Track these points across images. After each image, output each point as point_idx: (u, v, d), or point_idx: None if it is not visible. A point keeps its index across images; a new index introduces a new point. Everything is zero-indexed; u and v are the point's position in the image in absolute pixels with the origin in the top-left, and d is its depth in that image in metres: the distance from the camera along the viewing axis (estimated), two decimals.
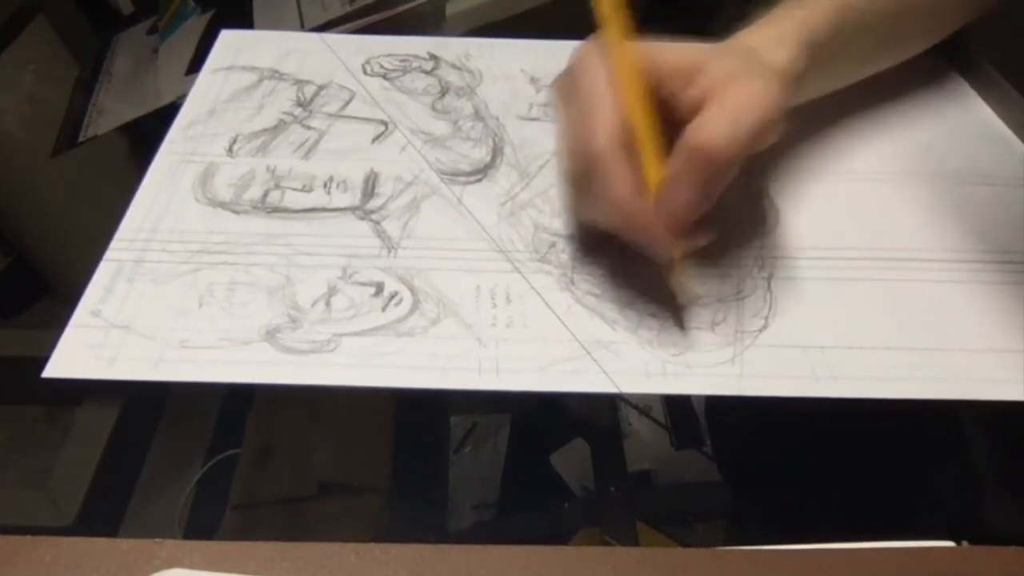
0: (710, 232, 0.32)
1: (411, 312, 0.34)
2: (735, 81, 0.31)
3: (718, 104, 0.30)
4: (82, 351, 0.32)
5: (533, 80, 0.47)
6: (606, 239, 0.34)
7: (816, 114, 0.45)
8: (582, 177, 0.32)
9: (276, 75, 0.47)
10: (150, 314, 0.33)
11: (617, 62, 0.32)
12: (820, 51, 0.35)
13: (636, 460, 0.36)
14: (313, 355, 0.32)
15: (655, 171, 0.31)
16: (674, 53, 0.32)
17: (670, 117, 0.32)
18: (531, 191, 0.40)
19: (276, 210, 0.38)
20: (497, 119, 0.44)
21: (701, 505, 0.36)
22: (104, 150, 0.52)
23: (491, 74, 0.48)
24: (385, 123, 0.44)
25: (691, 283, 0.33)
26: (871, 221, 0.39)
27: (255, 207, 0.39)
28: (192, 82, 0.46)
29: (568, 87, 0.33)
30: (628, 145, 0.31)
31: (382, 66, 0.48)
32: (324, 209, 0.39)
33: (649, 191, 0.31)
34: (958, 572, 0.26)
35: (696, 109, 0.31)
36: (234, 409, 0.36)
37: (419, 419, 0.36)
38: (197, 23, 0.58)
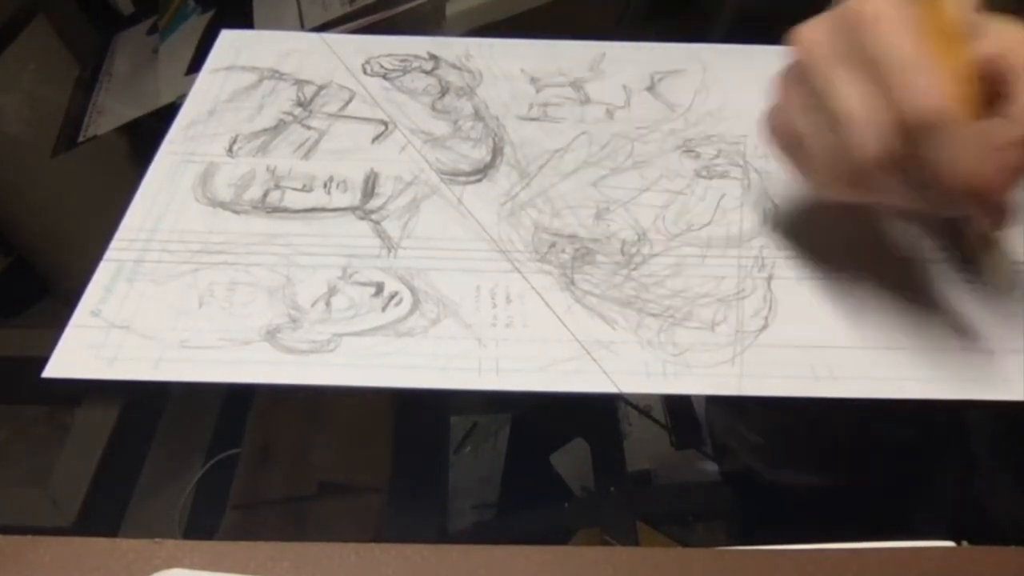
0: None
1: (411, 312, 0.34)
2: None
3: None
4: (82, 351, 0.32)
5: (533, 80, 0.47)
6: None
7: None
8: (913, 138, 0.27)
9: (276, 75, 0.47)
10: (150, 314, 0.33)
11: (947, 24, 0.28)
12: None
13: (636, 460, 0.36)
14: (313, 355, 0.32)
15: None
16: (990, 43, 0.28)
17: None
18: (531, 191, 0.40)
19: (276, 210, 0.38)
20: (497, 119, 0.44)
21: (701, 505, 0.36)
22: (104, 150, 0.52)
23: (491, 74, 0.48)
24: (385, 123, 0.44)
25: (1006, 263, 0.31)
26: (871, 221, 0.39)
27: (255, 207, 0.39)
28: (192, 82, 0.46)
29: (850, 43, 0.28)
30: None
31: (382, 66, 0.48)
32: (324, 209, 0.39)
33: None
34: (958, 572, 0.26)
35: (992, 66, 0.27)
36: (234, 409, 0.36)
37: (419, 419, 0.36)
38: (197, 23, 0.58)
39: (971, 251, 0.30)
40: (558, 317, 0.34)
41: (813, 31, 0.29)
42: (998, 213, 0.28)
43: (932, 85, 0.26)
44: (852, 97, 0.28)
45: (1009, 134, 0.27)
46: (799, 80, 0.30)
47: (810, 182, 0.32)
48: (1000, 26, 0.28)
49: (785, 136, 0.31)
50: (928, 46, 0.27)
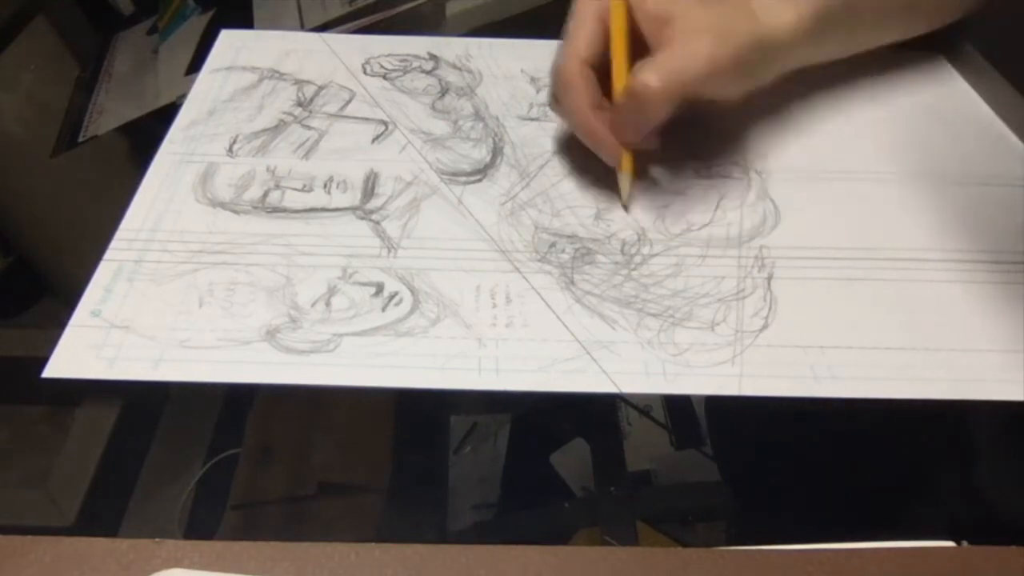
0: (652, 143, 0.38)
1: (411, 312, 0.34)
2: (690, 35, 0.35)
3: (667, 51, 0.35)
4: (82, 351, 0.32)
5: (533, 80, 0.47)
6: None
7: (816, 114, 0.45)
8: (556, 88, 0.38)
9: (276, 75, 0.47)
10: (150, 314, 0.33)
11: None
12: (830, 18, 0.39)
13: (636, 460, 0.36)
14: (313, 355, 0.32)
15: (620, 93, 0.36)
16: (656, 1, 0.37)
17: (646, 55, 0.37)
18: (531, 191, 0.40)
19: (276, 210, 0.38)
20: (497, 119, 0.44)
21: (701, 505, 0.36)
22: (104, 150, 0.52)
23: (491, 74, 0.48)
24: (385, 123, 0.44)
25: (631, 190, 0.39)
26: (871, 221, 0.39)
27: (255, 207, 0.39)
28: (192, 82, 0.46)
29: (570, 12, 0.39)
30: (600, 71, 0.37)
31: (382, 66, 0.48)
32: (324, 209, 0.39)
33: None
34: (958, 572, 0.26)
35: (658, 50, 0.36)
36: (234, 409, 0.36)
37: (419, 419, 0.36)
38: (197, 23, 0.58)
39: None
40: (558, 317, 0.34)
41: None
42: (602, 154, 0.38)
43: (568, 56, 0.37)
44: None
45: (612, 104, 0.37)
46: None
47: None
48: (692, 12, 0.36)
49: None
50: (589, 23, 0.37)
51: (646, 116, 0.35)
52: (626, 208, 0.39)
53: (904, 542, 0.27)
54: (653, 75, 0.34)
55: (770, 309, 0.35)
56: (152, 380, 0.31)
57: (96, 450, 0.36)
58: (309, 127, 0.43)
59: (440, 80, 0.47)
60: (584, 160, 0.40)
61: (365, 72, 0.47)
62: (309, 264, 0.36)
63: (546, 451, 0.38)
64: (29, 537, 0.26)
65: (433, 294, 0.35)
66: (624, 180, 0.38)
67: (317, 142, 0.42)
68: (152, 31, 0.61)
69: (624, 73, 0.36)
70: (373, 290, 0.35)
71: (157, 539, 0.26)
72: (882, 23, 0.44)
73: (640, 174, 0.40)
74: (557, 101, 0.39)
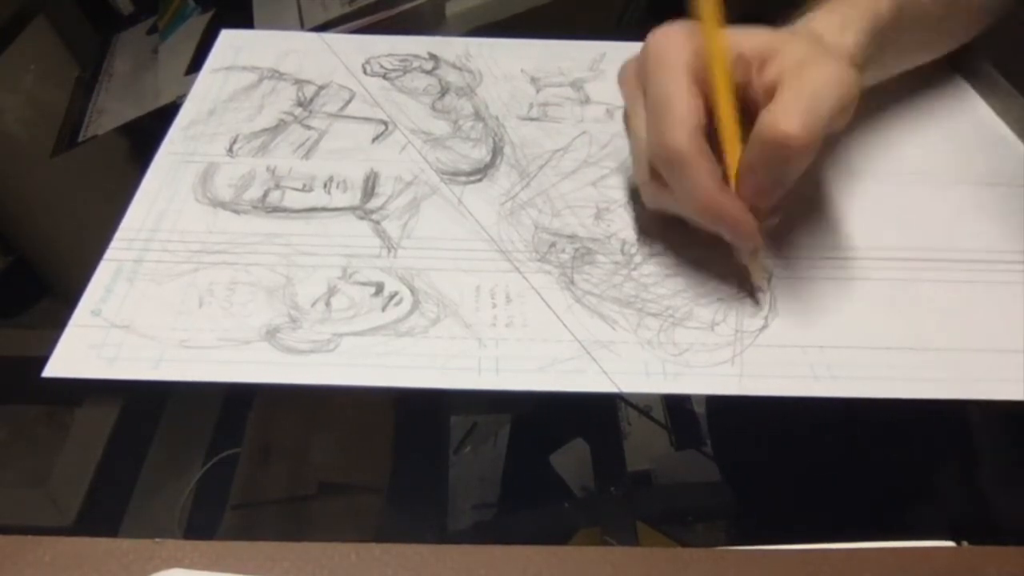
0: (779, 214, 0.33)
1: (411, 312, 0.34)
2: (810, 65, 0.30)
3: (793, 90, 0.30)
4: (82, 351, 0.32)
5: (533, 80, 0.47)
6: (671, 225, 0.35)
7: None
8: (663, 168, 0.32)
9: (276, 75, 0.47)
10: (150, 314, 0.33)
11: (709, 49, 0.32)
12: (882, 37, 0.36)
13: (636, 460, 0.36)
14: (313, 355, 0.32)
15: (736, 160, 0.31)
16: (749, 38, 0.32)
17: (743, 102, 0.32)
18: (531, 191, 0.40)
19: (276, 210, 0.38)
20: (497, 119, 0.44)
21: (701, 505, 0.36)
22: (104, 150, 0.52)
23: (491, 74, 0.48)
24: (385, 123, 0.44)
25: (766, 265, 0.35)
26: (871, 221, 0.39)
27: (255, 207, 0.39)
28: (192, 82, 0.46)
29: (643, 75, 0.33)
30: (709, 135, 0.31)
31: (382, 66, 0.48)
32: (324, 209, 0.39)
33: (731, 180, 0.32)
34: (958, 572, 0.26)
35: (770, 94, 0.31)
36: (234, 409, 0.36)
37: (419, 419, 0.36)
38: (197, 23, 0.58)
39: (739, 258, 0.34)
40: (558, 317, 0.34)
41: (639, 58, 0.34)
42: (736, 236, 0.32)
43: (673, 128, 0.31)
44: (639, 118, 0.34)
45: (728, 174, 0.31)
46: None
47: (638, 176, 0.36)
48: (789, 45, 0.32)
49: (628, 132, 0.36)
50: (685, 85, 0.31)
51: (787, 173, 0.30)
52: (764, 291, 0.34)
53: (904, 542, 0.27)
54: (791, 122, 0.29)
55: (770, 309, 0.35)
56: (152, 380, 0.31)
57: (96, 450, 0.36)
58: (309, 127, 0.43)
59: (440, 80, 0.47)
60: (677, 244, 0.36)
61: (365, 72, 0.47)
62: (309, 264, 0.36)
63: (546, 451, 0.38)
64: (29, 537, 0.26)
65: (433, 294, 0.35)
66: (758, 261, 0.34)
67: (317, 142, 0.42)
68: (152, 31, 0.61)
69: (738, 137, 0.31)
70: (373, 290, 0.35)
71: (157, 539, 0.26)
72: (926, 39, 0.42)
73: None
74: (662, 183, 0.33)
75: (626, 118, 0.36)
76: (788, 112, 0.29)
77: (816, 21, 0.35)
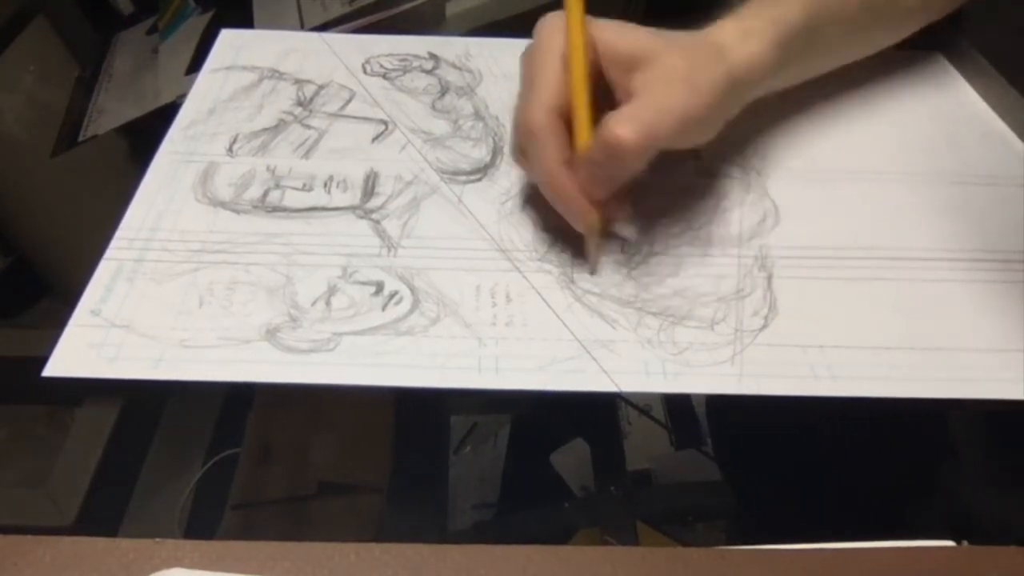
0: (622, 209, 0.36)
1: (411, 311, 0.34)
2: (665, 84, 0.33)
3: (642, 102, 0.32)
4: (82, 350, 0.32)
5: None
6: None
7: (815, 114, 0.45)
8: (522, 140, 0.35)
9: (276, 75, 0.47)
10: (150, 313, 0.33)
11: (570, 39, 0.34)
12: (791, 45, 0.37)
13: (636, 460, 0.36)
14: (313, 354, 0.32)
15: (583, 146, 0.33)
16: (626, 40, 0.34)
17: (612, 98, 0.34)
18: (531, 190, 0.40)
19: (276, 209, 0.38)
20: (497, 119, 0.44)
21: (701, 505, 0.36)
22: (104, 150, 0.52)
23: (491, 74, 0.48)
24: (385, 122, 0.44)
25: (599, 253, 0.36)
26: (871, 221, 0.39)
27: (255, 206, 0.39)
28: (192, 82, 0.46)
29: (525, 57, 0.36)
30: (566, 119, 0.34)
31: (382, 66, 0.48)
32: (324, 208, 0.39)
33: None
34: (958, 572, 0.26)
35: (628, 98, 0.33)
36: (234, 409, 0.36)
37: (419, 419, 0.36)
38: (197, 23, 0.58)
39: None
40: (558, 316, 0.34)
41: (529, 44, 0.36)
42: (568, 213, 0.35)
43: (533, 105, 0.33)
44: (518, 94, 0.36)
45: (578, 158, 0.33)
46: None
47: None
48: (660, 59, 0.33)
49: None
50: (556, 65, 0.34)
51: (618, 171, 0.33)
52: (592, 272, 0.36)
53: (904, 542, 0.27)
54: (627, 128, 0.31)
55: (770, 308, 0.35)
56: (152, 379, 0.31)
57: (96, 450, 0.36)
58: (309, 126, 0.43)
59: (440, 80, 0.47)
60: (548, 211, 0.37)
61: (365, 72, 0.47)
62: (309, 263, 0.36)
63: (546, 451, 0.38)
64: (29, 537, 0.26)
65: (433, 293, 0.35)
66: (592, 243, 0.35)
67: (317, 141, 0.42)
68: (152, 31, 0.61)
69: (588, 124, 0.33)
70: (373, 289, 0.35)
71: (157, 539, 0.26)
72: (844, 43, 0.42)
73: (641, 174, 0.40)
74: (522, 154, 0.36)
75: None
76: (630, 120, 0.32)
77: (721, 30, 0.36)
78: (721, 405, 0.33)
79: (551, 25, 0.35)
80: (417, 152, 0.42)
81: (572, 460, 0.37)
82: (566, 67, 0.34)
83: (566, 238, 0.37)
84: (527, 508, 0.35)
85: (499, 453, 0.38)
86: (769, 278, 0.36)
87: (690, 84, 0.33)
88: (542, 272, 0.36)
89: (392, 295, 0.35)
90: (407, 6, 0.54)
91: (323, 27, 0.53)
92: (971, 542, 0.27)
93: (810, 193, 0.40)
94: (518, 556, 0.26)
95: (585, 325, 0.34)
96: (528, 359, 0.32)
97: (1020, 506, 0.33)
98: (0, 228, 0.51)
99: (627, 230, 0.38)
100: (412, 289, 0.35)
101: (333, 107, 0.45)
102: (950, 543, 0.27)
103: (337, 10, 0.55)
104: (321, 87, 0.46)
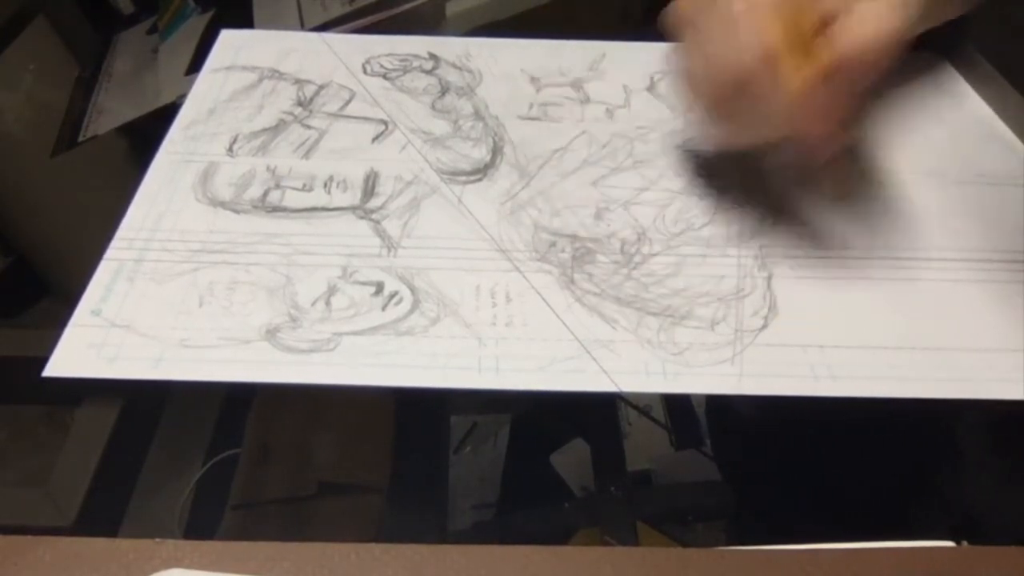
0: (851, 134, 0.34)
1: (411, 311, 0.34)
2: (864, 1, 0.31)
3: (856, 15, 0.31)
4: (82, 350, 0.32)
5: (533, 80, 0.47)
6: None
7: None
8: (732, 94, 0.32)
9: (276, 75, 0.47)
10: (150, 313, 0.33)
11: None
12: None
13: (636, 460, 0.36)
14: (313, 354, 0.32)
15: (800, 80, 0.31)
16: None
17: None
18: (531, 190, 0.40)
19: (276, 209, 0.38)
20: (497, 119, 0.44)
21: (701, 505, 0.36)
22: (104, 150, 0.52)
23: (491, 74, 0.48)
24: (385, 123, 0.44)
25: (849, 176, 0.35)
26: (871, 221, 0.39)
27: (255, 206, 0.39)
28: (192, 82, 0.46)
29: (701, 7, 0.33)
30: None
31: (382, 66, 0.48)
32: (324, 208, 0.39)
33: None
34: (958, 572, 0.26)
35: (825, 24, 0.31)
36: (234, 409, 0.36)
37: (419, 419, 0.36)
38: (197, 23, 0.58)
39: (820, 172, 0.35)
40: (558, 316, 0.34)
41: None
42: (816, 149, 0.33)
43: (751, 39, 0.31)
44: (698, 46, 0.33)
45: (807, 74, 0.31)
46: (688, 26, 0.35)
47: (700, 113, 0.35)
48: None
49: (681, 71, 0.35)
50: (750, 5, 0.31)
51: (855, 87, 0.31)
52: (842, 199, 0.35)
53: (904, 542, 0.27)
54: (863, 34, 0.30)
55: (770, 308, 0.35)
56: (152, 379, 0.31)
57: (96, 450, 0.36)
58: (309, 127, 0.43)
59: (440, 80, 0.47)
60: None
61: (365, 72, 0.47)
62: (309, 263, 0.36)
63: (546, 451, 0.38)
64: (29, 537, 0.26)
65: (433, 293, 0.35)
66: (836, 171, 0.34)
67: (317, 142, 0.42)
68: (152, 31, 0.61)
69: (795, 53, 0.31)
70: (373, 289, 0.35)
71: (157, 539, 0.26)
72: None
73: None
74: (730, 110, 0.33)
75: (680, 58, 0.35)
76: (858, 28, 0.30)
77: None
78: (721, 405, 0.33)
79: None
80: (417, 152, 0.42)
81: (572, 460, 0.37)
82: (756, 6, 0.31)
83: (566, 238, 0.37)
84: (527, 508, 0.35)
85: (499, 453, 0.38)
86: (769, 278, 0.36)
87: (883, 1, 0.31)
88: (542, 272, 0.36)
89: (392, 295, 0.35)
90: (407, 6, 0.54)
91: (323, 27, 0.53)
92: (971, 542, 0.27)
93: (810, 193, 0.40)
94: (518, 556, 0.26)
95: (585, 325, 0.34)
96: (528, 359, 0.32)
97: (1020, 506, 0.33)
98: (0, 228, 0.51)
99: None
100: (412, 289, 0.35)
101: (333, 107, 0.45)
102: (950, 543, 0.27)
103: (337, 10, 0.55)
104: (321, 87, 0.46)
